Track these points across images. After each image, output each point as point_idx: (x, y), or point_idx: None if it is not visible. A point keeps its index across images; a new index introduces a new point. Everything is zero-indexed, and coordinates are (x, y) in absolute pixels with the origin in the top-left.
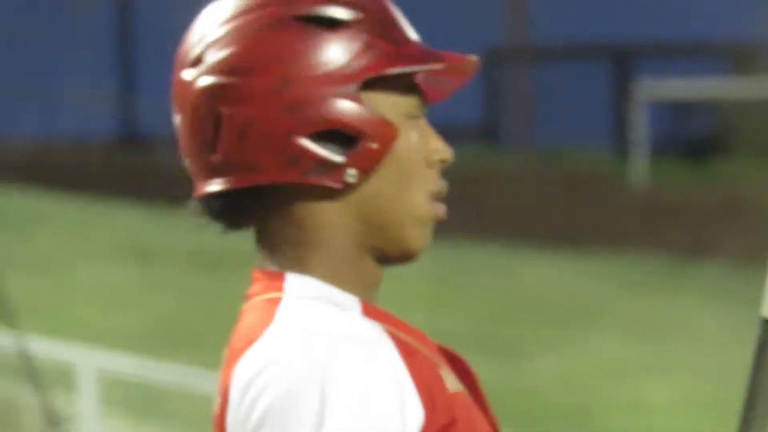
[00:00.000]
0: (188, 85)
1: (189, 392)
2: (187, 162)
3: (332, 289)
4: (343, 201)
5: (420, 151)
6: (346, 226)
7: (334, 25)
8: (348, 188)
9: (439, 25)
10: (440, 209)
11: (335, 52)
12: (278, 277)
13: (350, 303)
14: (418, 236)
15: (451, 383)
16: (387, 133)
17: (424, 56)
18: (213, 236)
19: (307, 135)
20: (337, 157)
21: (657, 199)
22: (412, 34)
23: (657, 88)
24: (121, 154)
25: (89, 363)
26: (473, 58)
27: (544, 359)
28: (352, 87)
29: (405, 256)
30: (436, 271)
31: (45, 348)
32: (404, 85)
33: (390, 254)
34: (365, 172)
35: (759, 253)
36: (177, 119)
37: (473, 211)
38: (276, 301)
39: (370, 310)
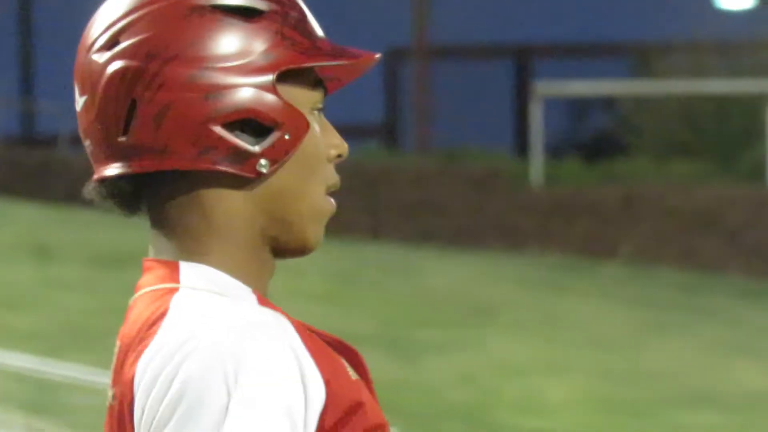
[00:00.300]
0: (100, 67)
1: (86, 387)
2: (87, 143)
3: (228, 280)
4: (251, 191)
5: (322, 146)
6: (251, 217)
7: (251, 15)
8: (257, 179)
9: (340, 23)
10: (333, 204)
11: (253, 43)
12: (173, 267)
13: (245, 294)
14: (316, 231)
15: (351, 372)
16: (300, 125)
17: (335, 52)
18: (115, 234)
19: (222, 123)
20: (251, 147)
21: (555, 198)
22: (320, 31)
23: (556, 88)
24: (20, 152)
25: None
26: (377, 55)
27: (442, 358)
28: (268, 78)
29: (302, 250)
30: (337, 269)
31: None
32: (313, 79)
33: (288, 247)
34: (276, 163)
35: (655, 252)
36: (80, 101)
37: (373, 210)
38: (171, 292)
39: (265, 302)
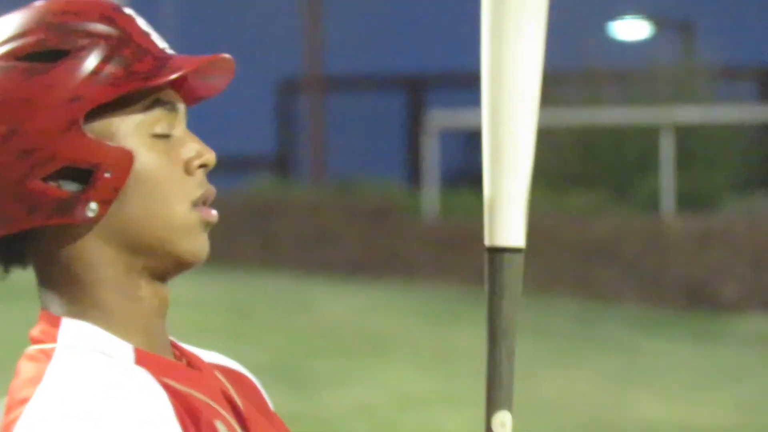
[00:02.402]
0: None
1: None
2: None
3: (106, 337)
4: (100, 234)
5: (170, 165)
6: (111, 258)
7: (55, 58)
8: (99, 220)
9: (233, 53)
10: (208, 213)
11: (57, 88)
12: (55, 323)
13: (123, 351)
14: (189, 245)
15: (223, 428)
16: (120, 159)
17: (155, 71)
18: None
19: (41, 177)
20: (73, 193)
21: (448, 229)
22: (157, 43)
23: (449, 119)
24: None
25: None
26: (218, 56)
27: (338, 389)
28: (75, 121)
29: (182, 266)
30: (231, 301)
31: None
32: (149, 101)
33: (167, 269)
34: (106, 202)
35: (551, 283)
36: None
37: (267, 242)
38: (49, 353)
39: (143, 357)
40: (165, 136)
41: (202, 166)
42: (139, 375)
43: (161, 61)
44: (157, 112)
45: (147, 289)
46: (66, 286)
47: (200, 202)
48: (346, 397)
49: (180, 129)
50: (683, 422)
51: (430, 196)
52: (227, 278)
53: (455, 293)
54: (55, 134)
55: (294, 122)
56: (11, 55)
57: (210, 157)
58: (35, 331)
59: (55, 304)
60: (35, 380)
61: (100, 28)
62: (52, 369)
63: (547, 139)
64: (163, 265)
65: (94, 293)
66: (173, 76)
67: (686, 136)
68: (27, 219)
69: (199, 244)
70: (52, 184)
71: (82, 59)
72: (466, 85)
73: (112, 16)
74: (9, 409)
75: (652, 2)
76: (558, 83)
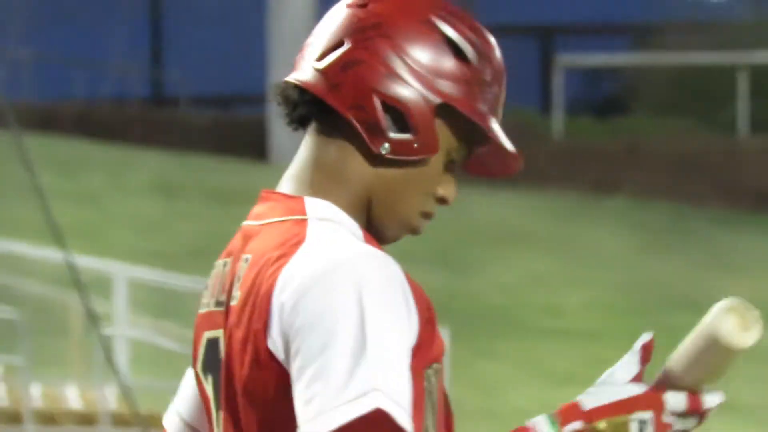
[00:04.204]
0: (345, 12)
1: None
2: (300, 55)
3: (344, 216)
4: (375, 168)
5: (437, 180)
6: (368, 184)
7: (460, 54)
8: (380, 159)
9: None
10: (420, 227)
11: (446, 69)
12: (298, 201)
13: (355, 229)
14: (395, 233)
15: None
16: (431, 145)
17: (499, 131)
18: (224, 175)
19: (382, 99)
20: (386, 128)
21: (573, 147)
22: (500, 117)
23: (574, 60)
24: (151, 110)
25: (122, 274)
26: (518, 155)
27: (484, 272)
28: (436, 99)
29: (376, 235)
30: None
31: (88, 263)
32: (467, 137)
33: (371, 224)
34: (396, 155)
35: (652, 190)
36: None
37: None
38: (303, 222)
39: (370, 240)
40: (451, 163)
41: (443, 201)
42: (374, 245)
43: (506, 134)
44: (462, 148)
45: (362, 218)
46: (325, 173)
47: (424, 217)
48: (490, 277)
49: (456, 169)
50: (754, 296)
51: (558, 120)
52: None
53: (576, 198)
54: (418, 91)
55: None
56: (438, 25)
57: (453, 197)
58: (266, 208)
59: (302, 185)
60: (299, 238)
61: (501, 63)
62: (312, 230)
63: (649, 76)
64: (372, 221)
65: (342, 190)
66: (509, 149)
67: (759, 74)
68: (347, 106)
69: (396, 237)
70: (383, 109)
71: (473, 75)
72: (587, 32)
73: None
74: (272, 258)
75: None
76: (656, 31)
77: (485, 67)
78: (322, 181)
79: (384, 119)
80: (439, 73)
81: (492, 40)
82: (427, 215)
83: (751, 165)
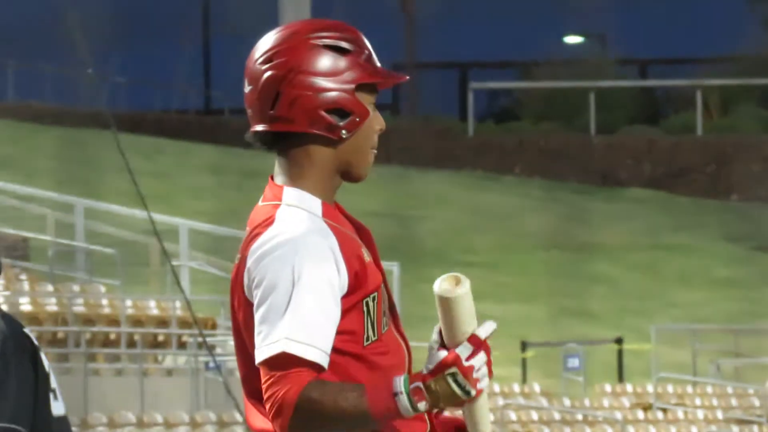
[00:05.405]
0: (262, 72)
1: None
2: (249, 112)
3: (311, 199)
4: (334, 148)
5: (372, 123)
6: (333, 160)
7: (344, 51)
8: (339, 141)
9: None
10: (373, 155)
11: (344, 67)
12: (279, 189)
13: (316, 207)
14: (365, 171)
15: (366, 255)
16: (363, 113)
17: (386, 74)
18: (256, 161)
19: (325, 109)
20: (338, 123)
21: (480, 143)
22: (377, 62)
23: (481, 84)
24: (203, 117)
25: (184, 225)
26: (406, 77)
27: (423, 224)
28: (351, 87)
29: (358, 178)
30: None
31: (162, 218)
32: (372, 87)
33: (351, 176)
34: (350, 132)
35: (533, 171)
36: (248, 88)
37: None
38: (276, 206)
39: (326, 210)
40: (372, 105)
41: (381, 131)
42: (321, 221)
43: (383, 68)
44: (373, 95)
45: (337, 180)
46: (299, 168)
47: (374, 149)
48: (427, 228)
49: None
50: (597, 239)
51: (470, 124)
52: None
53: (483, 176)
54: (339, 91)
55: None
56: (321, 43)
57: (384, 125)
58: (266, 192)
59: (285, 177)
60: (270, 219)
61: (356, 38)
62: (279, 214)
63: (531, 95)
64: (352, 173)
65: (313, 176)
66: (400, 81)
67: (602, 95)
68: (308, 126)
69: (367, 171)
70: (328, 114)
71: (357, 55)
72: (490, 66)
73: (362, 39)
74: (252, 232)
75: None
76: (537, 65)
77: (355, 45)
78: (299, 173)
79: (332, 119)
80: (339, 70)
81: (348, 25)
82: (375, 147)
83: (597, 154)
